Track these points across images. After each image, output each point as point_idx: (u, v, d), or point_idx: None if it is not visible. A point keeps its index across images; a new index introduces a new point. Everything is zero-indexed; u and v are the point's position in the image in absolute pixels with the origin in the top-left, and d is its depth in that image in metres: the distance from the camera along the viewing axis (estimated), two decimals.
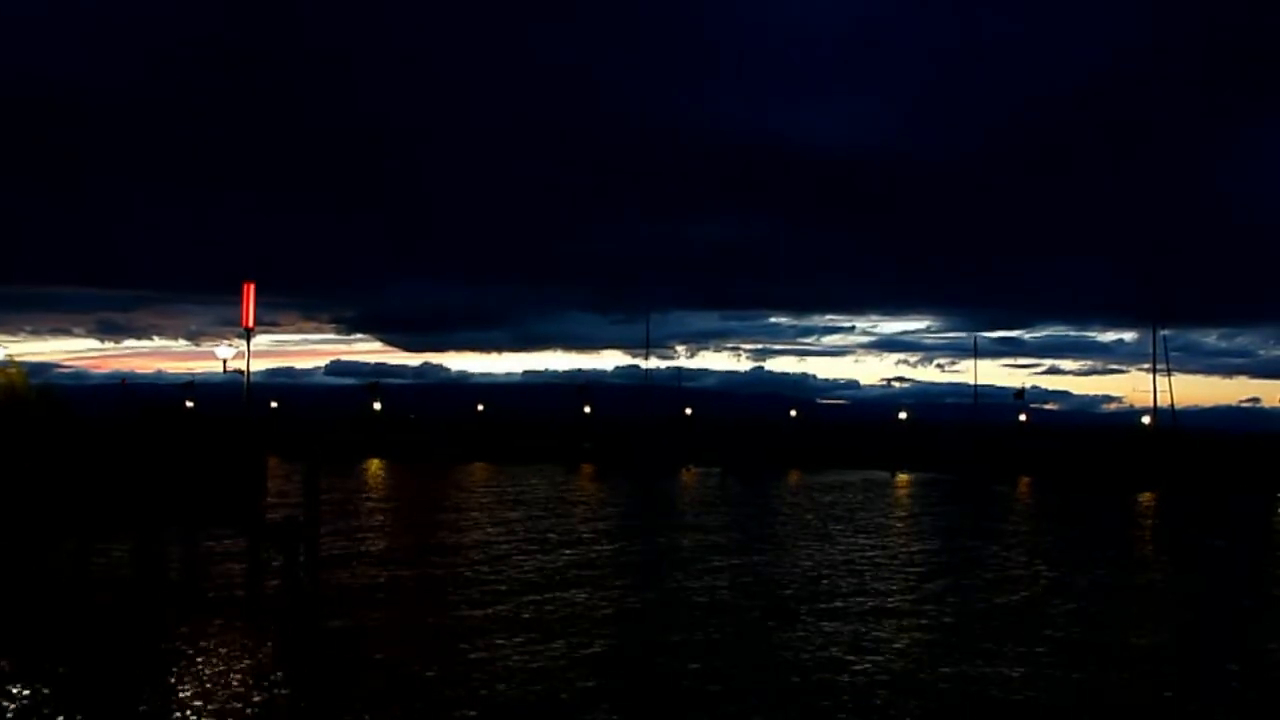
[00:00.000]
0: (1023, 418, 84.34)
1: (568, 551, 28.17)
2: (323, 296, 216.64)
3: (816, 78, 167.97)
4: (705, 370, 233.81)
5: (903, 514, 41.57)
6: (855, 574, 25.33)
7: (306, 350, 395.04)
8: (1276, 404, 73.05)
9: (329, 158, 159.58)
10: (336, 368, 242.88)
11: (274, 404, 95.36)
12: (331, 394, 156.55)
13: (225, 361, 29.23)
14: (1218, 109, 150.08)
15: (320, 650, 17.37)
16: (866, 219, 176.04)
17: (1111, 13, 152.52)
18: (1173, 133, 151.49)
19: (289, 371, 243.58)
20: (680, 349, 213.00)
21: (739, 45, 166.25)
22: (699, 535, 32.84)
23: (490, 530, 32.65)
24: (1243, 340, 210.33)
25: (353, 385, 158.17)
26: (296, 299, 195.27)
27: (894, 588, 23.48)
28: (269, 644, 17.35)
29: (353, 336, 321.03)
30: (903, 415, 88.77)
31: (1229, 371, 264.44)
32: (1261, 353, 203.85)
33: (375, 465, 65.76)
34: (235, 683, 14.71)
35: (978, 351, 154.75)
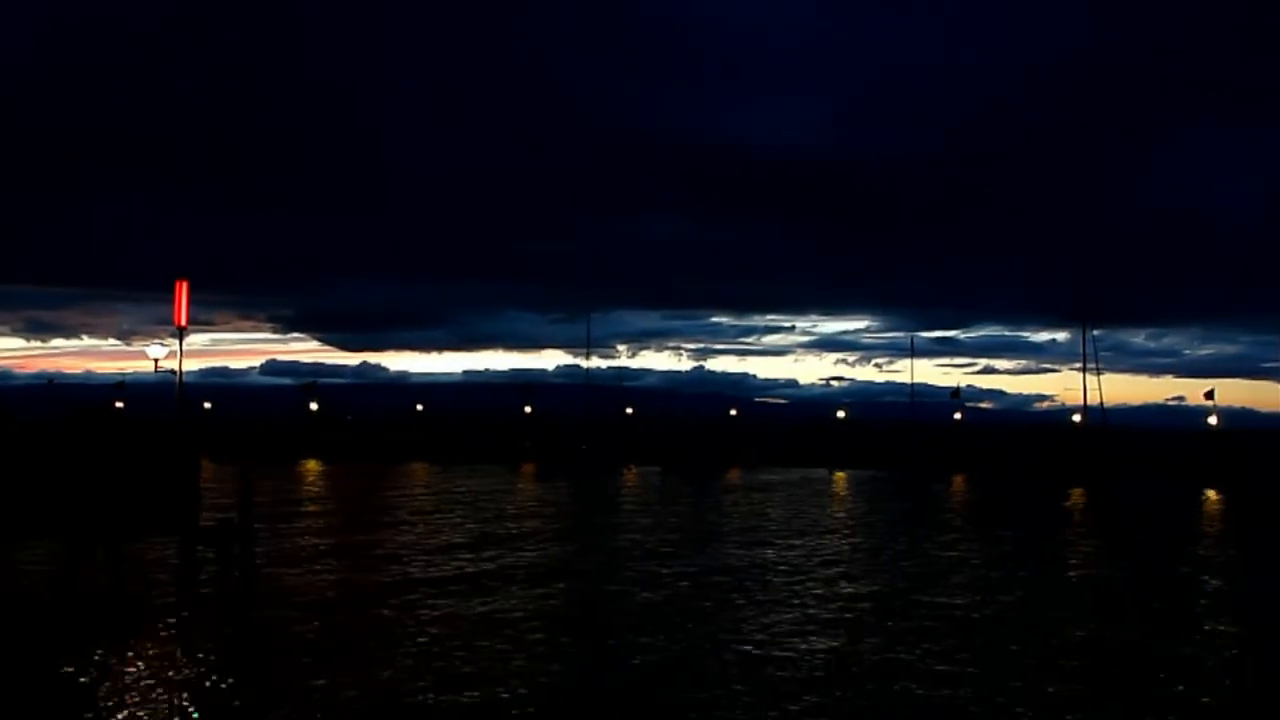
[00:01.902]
0: (958, 416, 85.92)
1: (498, 550, 28.12)
2: (259, 295, 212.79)
3: (758, 79, 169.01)
4: (647, 369, 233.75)
5: (839, 511, 42.07)
6: (785, 572, 25.62)
7: (242, 349, 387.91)
8: (1200, 402, 74.86)
9: (266, 153, 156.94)
10: (272, 367, 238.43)
11: (208, 404, 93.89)
12: (267, 394, 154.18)
13: (157, 361, 28.74)
14: (1148, 114, 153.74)
15: (254, 653, 17.18)
16: (807, 220, 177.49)
17: (1046, 20, 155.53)
18: (1105, 137, 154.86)
19: (224, 371, 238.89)
20: (622, 348, 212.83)
21: (684, 45, 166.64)
22: (634, 535, 32.98)
23: (426, 530, 32.47)
24: (1169, 340, 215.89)
25: (289, 385, 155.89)
26: (232, 297, 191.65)
27: (820, 586, 23.82)
28: (202, 648, 17.09)
29: (289, 335, 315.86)
30: (841, 414, 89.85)
31: (1156, 371, 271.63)
32: (1187, 352, 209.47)
33: (312, 466, 64.98)
34: (164, 689, 14.49)
35: (915, 351, 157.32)
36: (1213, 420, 73.81)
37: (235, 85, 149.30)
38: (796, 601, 21.57)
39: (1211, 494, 54.71)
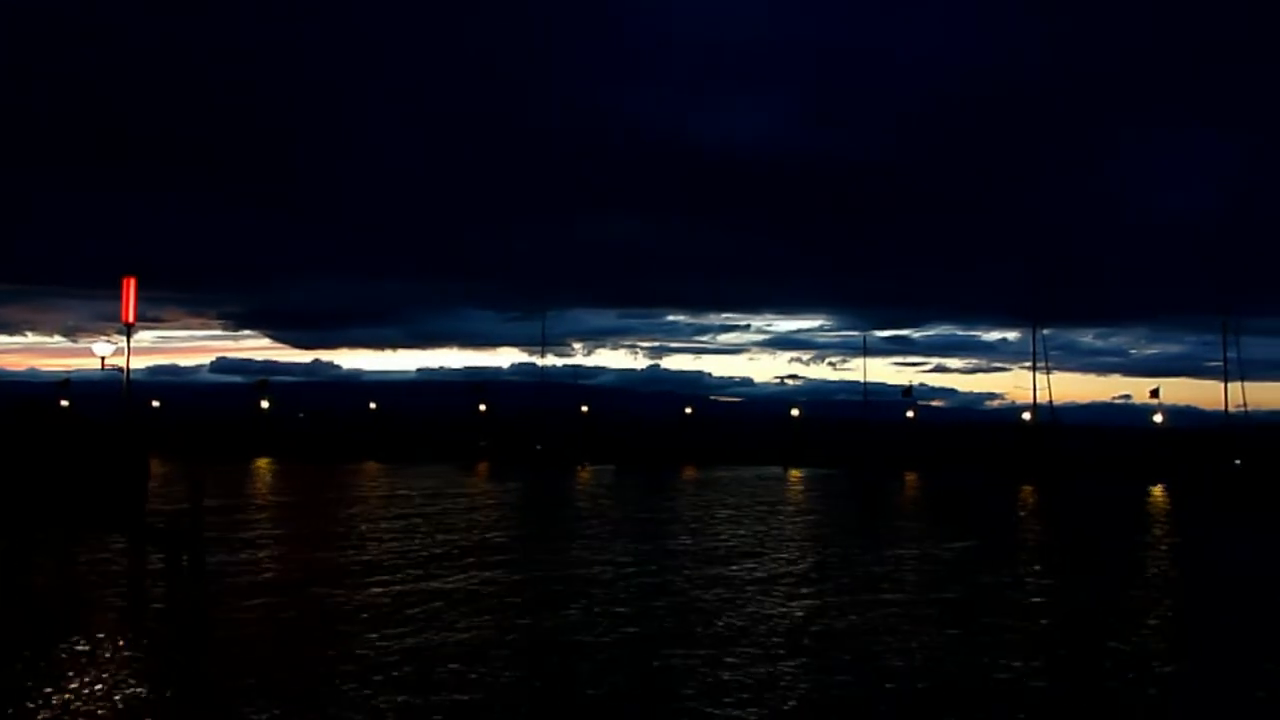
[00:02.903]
0: (910, 414, 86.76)
1: (453, 550, 27.97)
2: (210, 291, 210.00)
3: (715, 81, 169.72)
4: (602, 368, 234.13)
5: (791, 510, 42.34)
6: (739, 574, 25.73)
7: (191, 347, 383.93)
8: (1146, 400, 76.29)
9: (217, 148, 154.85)
10: (223, 365, 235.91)
11: (156, 403, 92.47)
12: (217, 392, 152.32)
13: (104, 359, 28.23)
14: (1098, 118, 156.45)
15: (203, 653, 16.93)
16: (762, 220, 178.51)
17: (1000, 24, 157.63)
18: (1056, 140, 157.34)
19: (172, 369, 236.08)
20: (578, 346, 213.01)
21: (644, 46, 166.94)
22: (589, 534, 32.98)
23: (378, 530, 32.19)
24: (1117, 340, 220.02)
25: (240, 383, 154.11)
26: (182, 294, 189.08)
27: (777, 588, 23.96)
28: (151, 648, 16.81)
29: (240, 333, 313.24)
30: (795, 412, 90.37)
31: (1104, 370, 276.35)
32: (1134, 352, 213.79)
33: (263, 465, 64.19)
34: (112, 688, 14.23)
35: (868, 350, 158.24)
36: (1158, 418, 75.21)
37: (186, 81, 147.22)
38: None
39: (1157, 490, 55.75)
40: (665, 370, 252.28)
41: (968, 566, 27.45)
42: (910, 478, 62.82)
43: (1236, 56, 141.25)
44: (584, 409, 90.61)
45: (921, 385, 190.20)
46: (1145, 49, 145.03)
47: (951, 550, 30.45)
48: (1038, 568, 27.55)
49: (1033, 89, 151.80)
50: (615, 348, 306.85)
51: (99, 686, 14.36)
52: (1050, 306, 74.69)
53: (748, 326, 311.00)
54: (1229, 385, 68.44)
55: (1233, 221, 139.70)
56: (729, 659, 16.54)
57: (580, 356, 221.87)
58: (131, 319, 25.76)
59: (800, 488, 54.50)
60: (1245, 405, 68.24)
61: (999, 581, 24.90)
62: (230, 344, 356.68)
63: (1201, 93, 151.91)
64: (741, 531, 33.73)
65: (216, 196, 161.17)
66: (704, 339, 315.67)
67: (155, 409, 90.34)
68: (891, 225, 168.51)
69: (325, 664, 15.81)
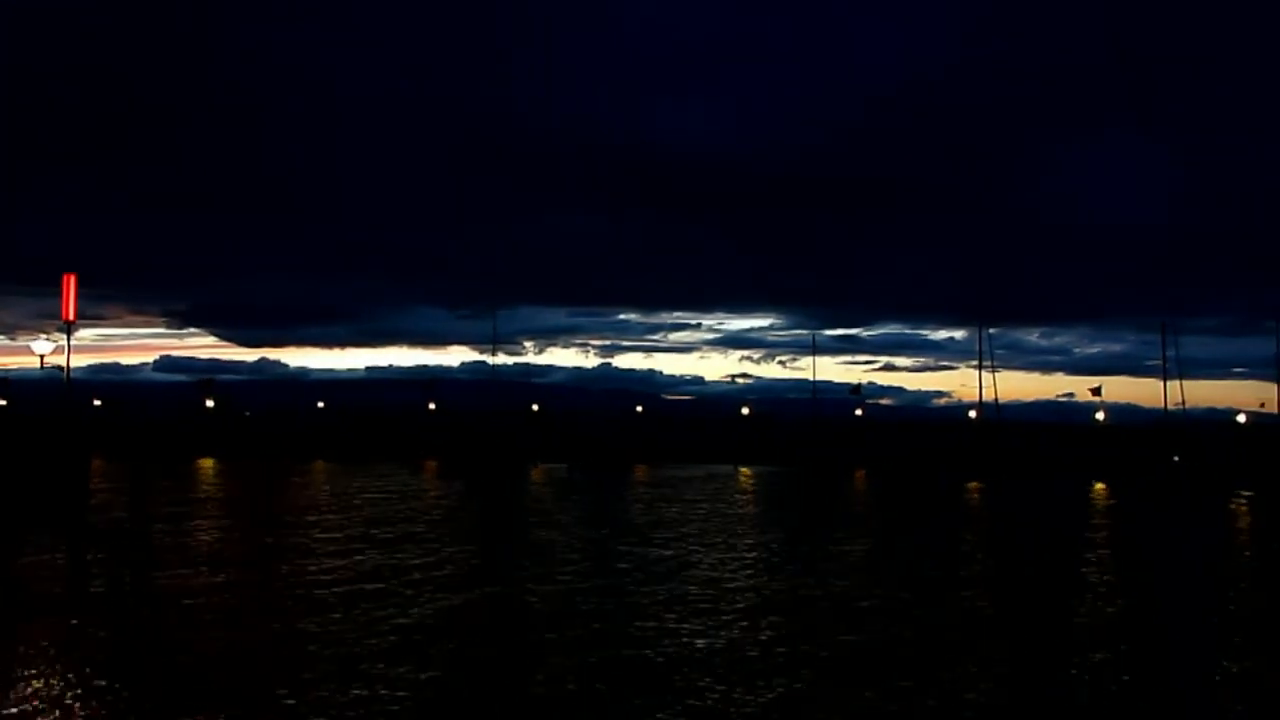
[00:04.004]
0: (859, 412, 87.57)
1: (403, 555, 27.79)
2: (154, 289, 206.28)
3: (666, 78, 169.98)
4: (553, 366, 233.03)
5: (744, 508, 42.60)
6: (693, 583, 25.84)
7: (134, 345, 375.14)
8: (1088, 398, 77.86)
9: (160, 140, 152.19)
10: (166, 363, 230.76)
11: (97, 402, 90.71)
12: (161, 390, 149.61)
13: (43, 357, 27.62)
14: (1043, 120, 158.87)
15: (146, 655, 16.65)
16: (713, 218, 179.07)
17: (946, 24, 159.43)
18: (1001, 142, 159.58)
19: (114, 367, 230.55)
20: (529, 345, 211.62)
21: (593, 43, 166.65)
22: (543, 534, 32.95)
23: (324, 529, 31.88)
24: (1061, 339, 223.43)
25: (184, 382, 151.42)
26: (125, 291, 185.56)
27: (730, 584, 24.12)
28: (91, 651, 16.50)
29: (185, 330, 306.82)
30: (745, 410, 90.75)
31: (1048, 369, 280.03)
32: (1077, 351, 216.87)
33: (208, 465, 63.24)
34: (52, 693, 13.97)
35: (817, 349, 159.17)
36: (1100, 416, 76.67)
37: (129, 76, 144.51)
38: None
39: (1100, 486, 56.83)
40: (616, 368, 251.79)
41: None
42: (859, 475, 63.42)
43: (1179, 61, 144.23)
44: (535, 407, 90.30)
45: (870, 383, 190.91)
46: (1092, 54, 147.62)
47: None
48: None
49: (978, 93, 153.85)
50: (566, 346, 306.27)
51: (56, 674, 14.11)
52: (996, 307, 76.04)
53: (699, 325, 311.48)
54: (1168, 384, 70.10)
55: (1173, 225, 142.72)
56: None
57: (531, 355, 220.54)
58: (72, 316, 25.27)
59: (749, 488, 54.84)
60: (1184, 403, 69.87)
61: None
62: (174, 342, 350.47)
63: (1143, 98, 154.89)
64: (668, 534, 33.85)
65: (161, 192, 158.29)
66: (655, 337, 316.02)
67: (97, 408, 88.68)
68: (841, 225, 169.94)
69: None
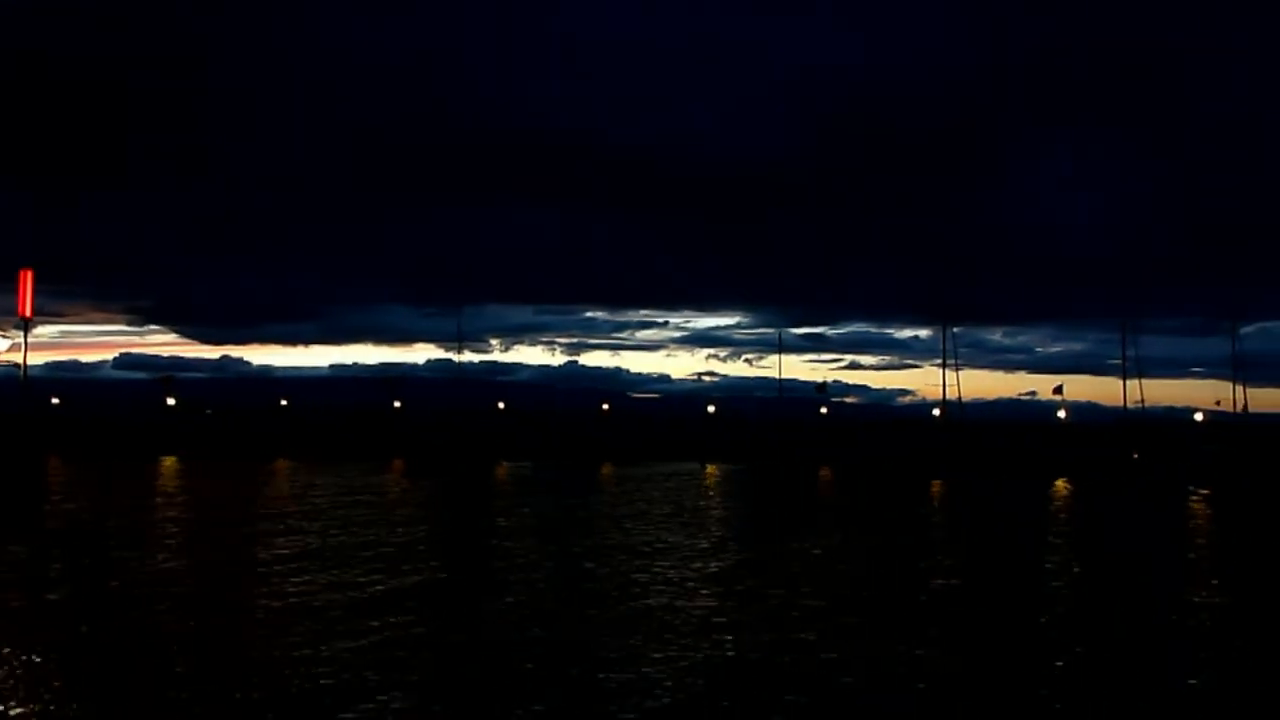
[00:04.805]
0: (824, 410, 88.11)
1: (363, 553, 27.61)
2: (115, 286, 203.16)
3: (632, 76, 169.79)
4: (519, 364, 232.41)
5: (708, 504, 42.70)
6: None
7: (94, 342, 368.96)
8: (1050, 397, 78.96)
9: (122, 134, 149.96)
10: (127, 360, 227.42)
11: (56, 400, 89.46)
12: (121, 388, 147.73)
13: None
14: (1005, 120, 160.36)
15: (105, 658, 16.40)
16: (680, 217, 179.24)
17: (910, 26, 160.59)
18: (965, 142, 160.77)
19: (73, 365, 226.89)
20: (495, 343, 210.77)
21: (557, 40, 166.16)
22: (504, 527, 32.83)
23: (286, 528, 31.60)
24: (1023, 338, 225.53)
25: (144, 379, 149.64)
26: (86, 287, 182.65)
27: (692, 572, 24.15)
28: (48, 654, 16.22)
29: (146, 328, 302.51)
30: (711, 408, 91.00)
31: (1011, 367, 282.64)
32: (1039, 350, 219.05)
33: (169, 464, 62.47)
34: (7, 697, 13.72)
35: (783, 347, 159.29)
36: (1061, 414, 77.61)
37: (86, 71, 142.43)
38: None
39: (1060, 484, 57.45)
40: (583, 367, 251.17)
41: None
42: (825, 473, 63.74)
43: (1141, 64, 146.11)
44: (500, 405, 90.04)
45: (836, 381, 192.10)
46: (1052, 55, 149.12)
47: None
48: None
49: (943, 95, 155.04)
50: (533, 344, 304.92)
51: (10, 678, 13.86)
52: (960, 306, 76.77)
53: (665, 324, 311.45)
54: (1128, 382, 71.13)
55: (1134, 226, 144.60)
56: None
57: (497, 353, 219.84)
58: (29, 313, 24.86)
59: (713, 487, 54.98)
60: (1143, 401, 71.09)
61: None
62: (135, 340, 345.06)
63: (1107, 98, 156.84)
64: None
65: (122, 188, 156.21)
66: (622, 336, 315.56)
67: (55, 406, 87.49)
68: (807, 225, 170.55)
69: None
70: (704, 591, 22.20)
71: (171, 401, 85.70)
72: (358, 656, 16.04)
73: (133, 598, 20.39)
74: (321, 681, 14.66)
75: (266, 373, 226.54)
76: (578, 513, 38.21)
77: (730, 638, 17.90)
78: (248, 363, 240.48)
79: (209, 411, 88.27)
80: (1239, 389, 70.12)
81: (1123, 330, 72.36)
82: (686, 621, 19.11)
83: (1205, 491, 54.20)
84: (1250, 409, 70.34)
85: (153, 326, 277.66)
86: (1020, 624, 20.22)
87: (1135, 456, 65.05)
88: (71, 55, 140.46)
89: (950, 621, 20.10)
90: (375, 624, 18.28)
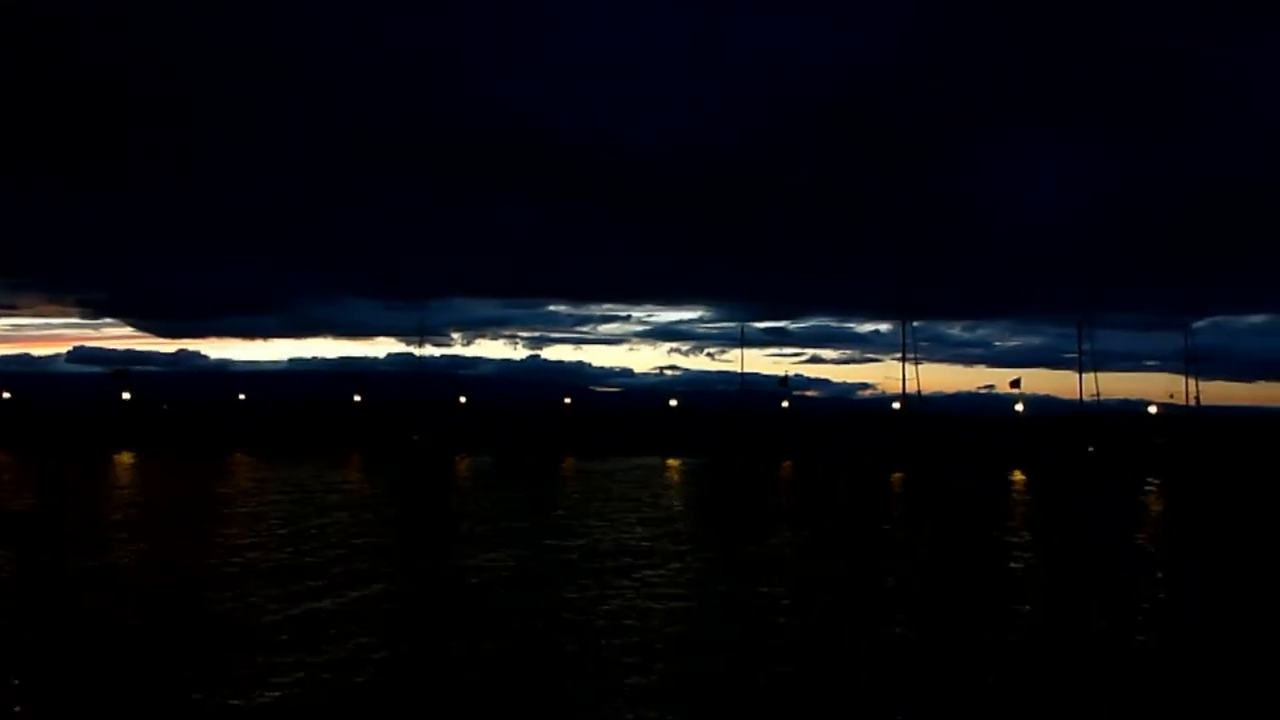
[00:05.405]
0: (785, 404, 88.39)
1: (308, 548, 27.37)
2: (68, 277, 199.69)
3: (599, 74, 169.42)
4: (481, 358, 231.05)
5: (671, 499, 42.79)
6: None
7: (47, 336, 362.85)
8: (1008, 390, 79.72)
9: (76, 127, 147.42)
10: (80, 354, 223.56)
11: (7, 394, 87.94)
12: (74, 382, 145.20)
13: None
14: (966, 118, 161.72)
15: (59, 650, 16.15)
16: (644, 212, 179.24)
17: (874, 24, 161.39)
18: (927, 140, 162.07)
19: (25, 359, 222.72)
20: (456, 336, 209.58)
21: (527, 37, 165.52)
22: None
23: (245, 524, 31.30)
24: (982, 332, 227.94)
25: (98, 373, 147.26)
26: (38, 280, 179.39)
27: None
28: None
29: (101, 321, 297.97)
30: (673, 402, 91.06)
31: (970, 361, 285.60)
32: (998, 344, 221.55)
33: (125, 459, 61.58)
34: None
35: (745, 341, 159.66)
36: (1019, 407, 78.46)
37: (44, 58, 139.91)
38: None
39: (1019, 476, 58.12)
40: (545, 360, 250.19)
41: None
42: (786, 465, 64.03)
43: (1094, 64, 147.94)
44: (462, 400, 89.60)
45: (797, 375, 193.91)
46: (1015, 54, 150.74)
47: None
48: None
49: (903, 95, 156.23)
50: (495, 338, 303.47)
51: None
52: (920, 301, 77.40)
53: (628, 317, 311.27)
54: (1084, 376, 72.06)
55: (1090, 221, 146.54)
56: None
57: (459, 346, 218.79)
58: None
59: (679, 479, 55.05)
60: (1098, 395, 71.97)
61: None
62: (90, 333, 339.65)
63: (1067, 96, 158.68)
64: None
65: (77, 178, 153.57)
66: (585, 329, 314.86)
67: (5, 401, 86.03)
68: (770, 220, 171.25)
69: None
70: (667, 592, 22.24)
71: (127, 396, 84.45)
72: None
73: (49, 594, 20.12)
74: None
75: (224, 366, 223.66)
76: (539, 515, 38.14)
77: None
78: (205, 356, 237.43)
79: (165, 406, 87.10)
80: (1191, 382, 71.25)
81: (1078, 325, 73.27)
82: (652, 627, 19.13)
83: (1157, 482, 55.06)
84: (1202, 402, 71.47)
85: (107, 319, 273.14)
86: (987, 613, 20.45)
87: (1090, 449, 65.95)
88: (19, 45, 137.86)
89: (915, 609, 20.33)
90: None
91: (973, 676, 15.85)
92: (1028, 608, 21.42)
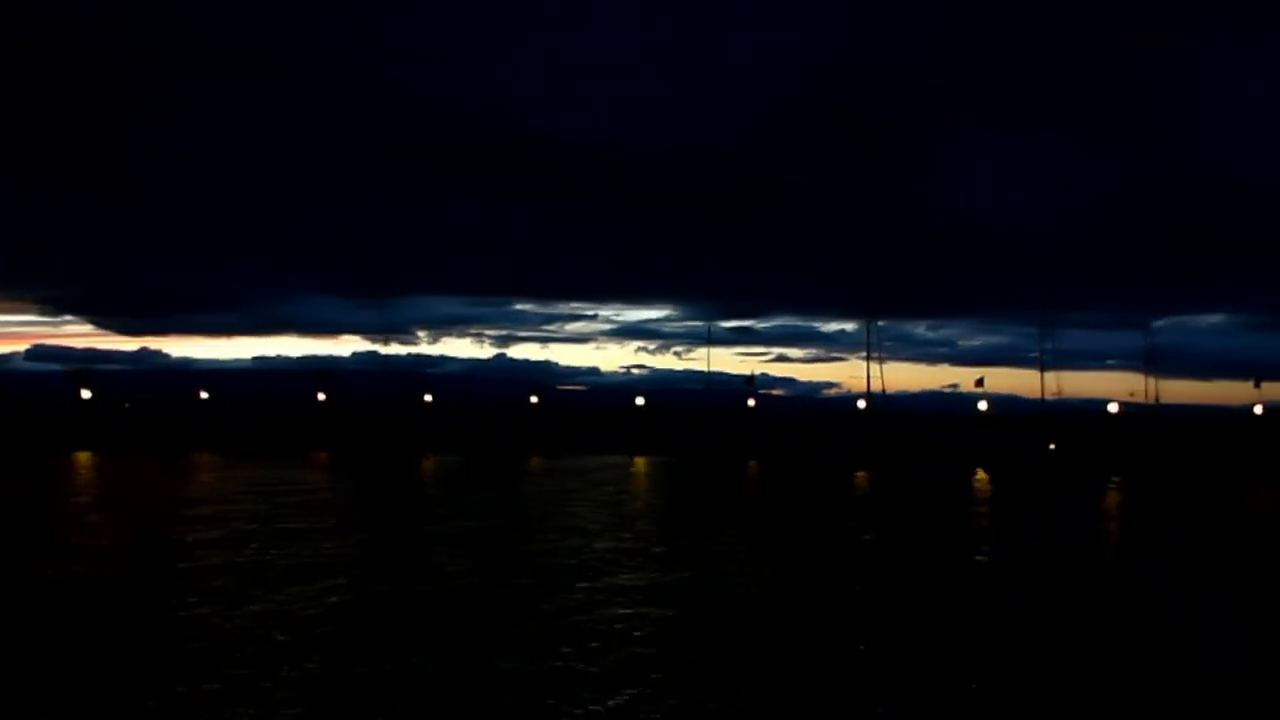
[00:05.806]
0: (751, 403, 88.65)
1: (274, 551, 27.17)
2: (27, 275, 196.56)
3: (565, 70, 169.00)
4: (447, 357, 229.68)
5: (637, 500, 42.86)
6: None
7: (5, 334, 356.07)
8: (972, 389, 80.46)
9: (33, 120, 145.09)
10: (39, 352, 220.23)
11: None
12: (33, 381, 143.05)
13: None
14: (931, 117, 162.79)
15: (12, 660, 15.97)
16: (610, 210, 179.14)
17: (840, 24, 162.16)
18: (891, 138, 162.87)
19: None
20: (422, 335, 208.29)
21: (492, 32, 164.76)
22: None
23: (203, 524, 31.01)
24: (947, 331, 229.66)
25: (57, 372, 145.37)
26: None
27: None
28: None
29: (60, 318, 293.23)
30: (640, 401, 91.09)
31: (934, 360, 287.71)
32: (962, 343, 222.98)
33: (84, 459, 60.76)
34: None
35: (712, 340, 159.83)
36: (983, 405, 79.21)
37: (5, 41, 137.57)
38: None
39: (981, 474, 58.71)
40: (512, 359, 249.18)
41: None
42: (752, 465, 64.29)
43: (1061, 62, 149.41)
44: (428, 398, 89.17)
45: (763, 374, 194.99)
46: (979, 52, 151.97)
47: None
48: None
49: (866, 92, 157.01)
50: (461, 336, 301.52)
51: None
52: (885, 300, 77.94)
53: (595, 316, 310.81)
54: (1046, 374, 73.02)
55: (1052, 224, 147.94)
56: None
57: (425, 345, 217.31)
58: None
59: (646, 478, 55.14)
60: (1060, 393, 72.98)
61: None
62: (49, 330, 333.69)
63: (1031, 94, 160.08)
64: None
65: (35, 173, 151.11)
66: (551, 328, 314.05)
67: None
68: (736, 219, 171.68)
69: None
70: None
71: (87, 395, 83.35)
72: None
73: None
74: None
75: (186, 365, 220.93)
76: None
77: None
78: (166, 354, 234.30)
79: (127, 405, 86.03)
80: (1152, 381, 72.43)
81: (1041, 325, 74.19)
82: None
83: (1118, 479, 55.83)
84: (1162, 400, 72.65)
85: (67, 317, 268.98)
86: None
87: (1052, 447, 66.74)
88: None
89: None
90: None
91: (919, 675, 16.02)
92: (993, 606, 21.68)
